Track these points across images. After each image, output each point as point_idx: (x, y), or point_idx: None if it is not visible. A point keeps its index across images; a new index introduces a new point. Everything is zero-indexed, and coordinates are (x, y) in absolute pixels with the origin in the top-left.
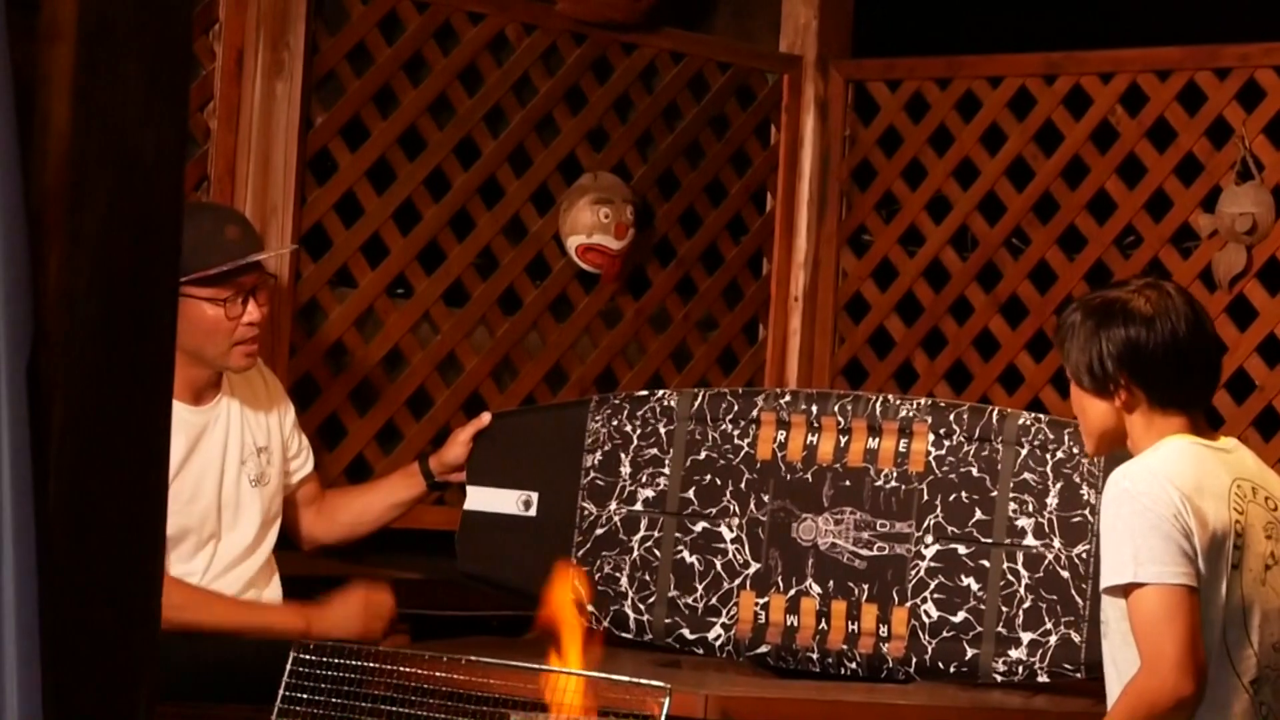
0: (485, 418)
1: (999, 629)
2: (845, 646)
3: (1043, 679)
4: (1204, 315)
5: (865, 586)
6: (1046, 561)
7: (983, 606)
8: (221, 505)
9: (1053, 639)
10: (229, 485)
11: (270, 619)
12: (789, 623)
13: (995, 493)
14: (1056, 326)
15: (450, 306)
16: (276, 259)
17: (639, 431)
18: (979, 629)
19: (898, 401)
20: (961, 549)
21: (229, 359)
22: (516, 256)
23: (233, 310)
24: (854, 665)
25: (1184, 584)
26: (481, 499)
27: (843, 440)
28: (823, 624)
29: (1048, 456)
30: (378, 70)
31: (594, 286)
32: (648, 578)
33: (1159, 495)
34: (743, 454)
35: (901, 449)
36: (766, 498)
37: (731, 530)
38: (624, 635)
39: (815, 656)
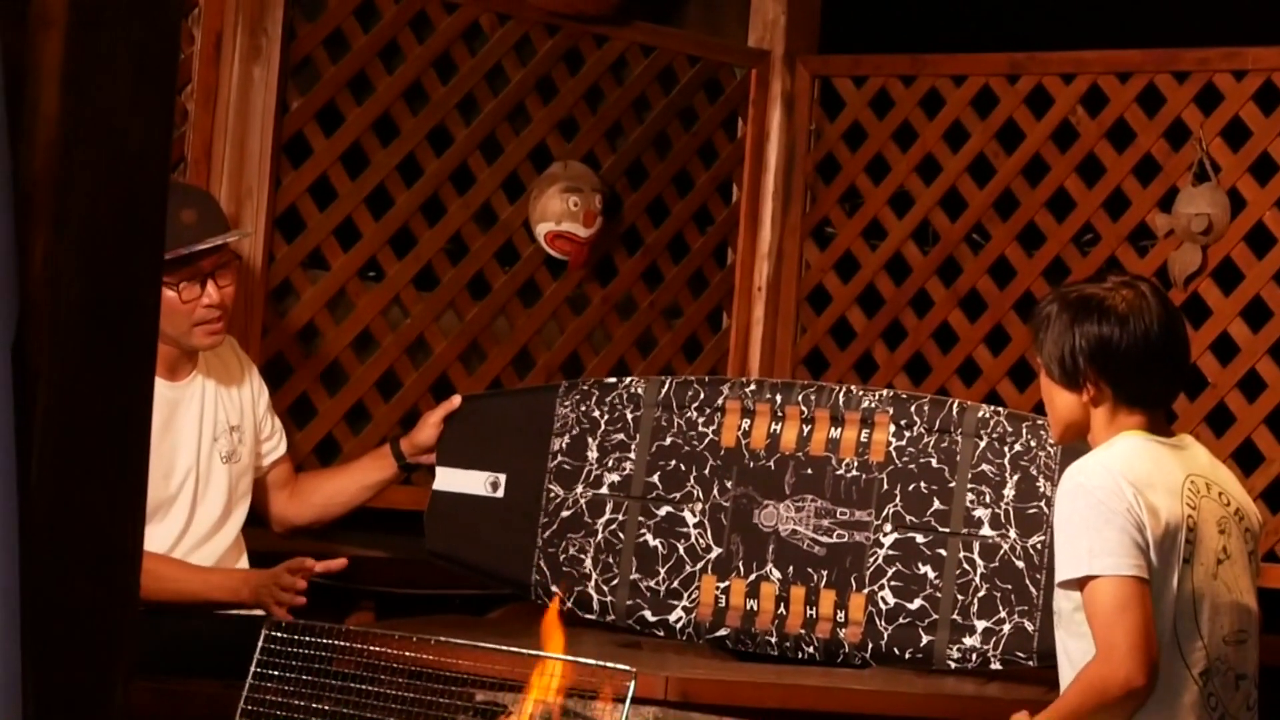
0: (456, 400)
1: (954, 617)
2: (803, 631)
3: (996, 666)
4: (1177, 317)
5: (824, 573)
6: (1002, 551)
7: (939, 594)
8: (194, 480)
9: (1007, 627)
10: (201, 460)
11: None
12: (749, 607)
13: (953, 483)
14: (1032, 315)
15: (420, 290)
16: (240, 241)
17: (606, 417)
18: (935, 616)
19: (860, 392)
20: (919, 538)
21: (191, 339)
22: (486, 242)
23: (188, 293)
24: (811, 650)
25: (1137, 576)
26: (450, 480)
27: (806, 429)
28: (782, 609)
29: (1006, 449)
30: (353, 57)
31: (562, 273)
32: (611, 560)
33: (1112, 489)
34: (707, 441)
35: (863, 439)
36: (729, 484)
37: (694, 515)
38: (587, 616)
39: (774, 640)
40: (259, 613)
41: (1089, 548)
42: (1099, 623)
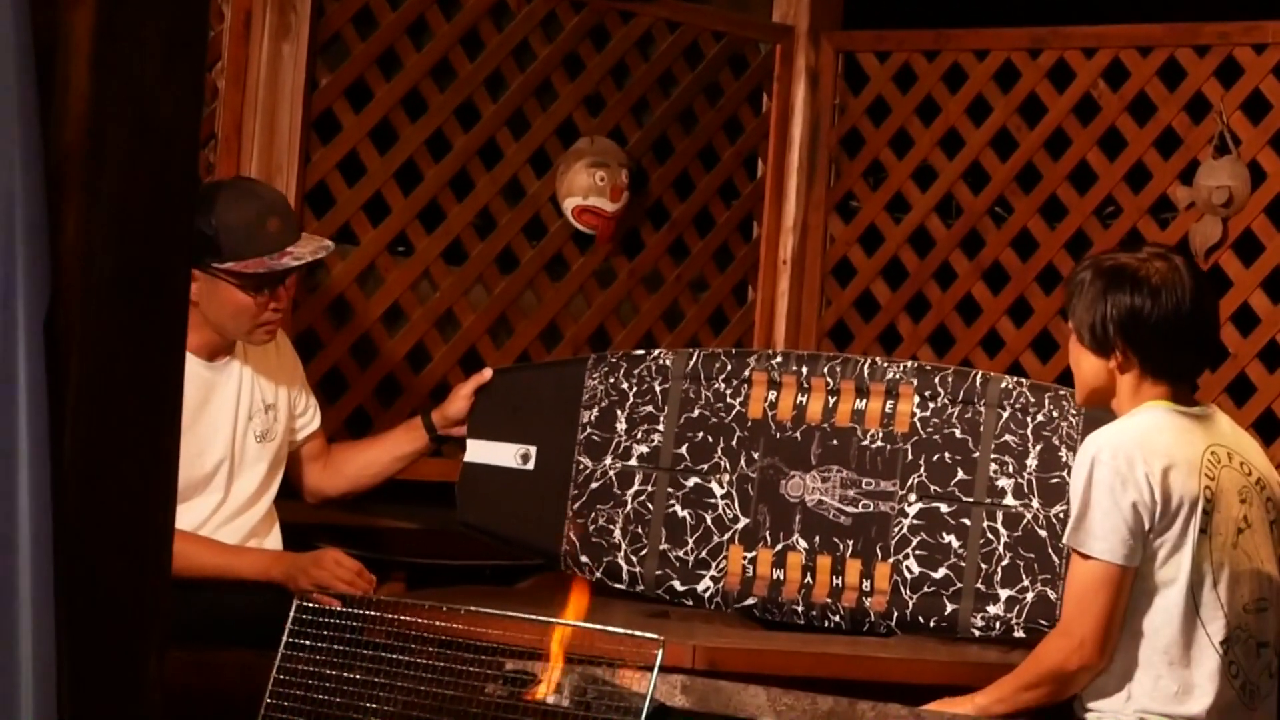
0: (487, 373)
1: (978, 585)
2: (829, 600)
3: (1019, 634)
4: (1208, 291)
5: (850, 542)
6: (1025, 521)
7: (963, 563)
8: (229, 459)
9: (1029, 596)
10: (237, 440)
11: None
12: (775, 576)
13: (977, 454)
14: (1066, 280)
15: (449, 265)
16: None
17: (635, 389)
18: (959, 585)
19: (885, 364)
20: (943, 507)
21: (251, 338)
22: (514, 217)
23: (262, 300)
24: (837, 618)
25: (1117, 563)
26: (481, 452)
27: (831, 401)
28: (808, 578)
29: (1028, 419)
30: (382, 34)
31: (589, 247)
32: (640, 531)
33: (1124, 473)
34: (734, 412)
35: (888, 410)
36: (756, 455)
37: (722, 486)
38: (616, 586)
39: (800, 609)
40: None
41: (1083, 523)
42: (1071, 597)
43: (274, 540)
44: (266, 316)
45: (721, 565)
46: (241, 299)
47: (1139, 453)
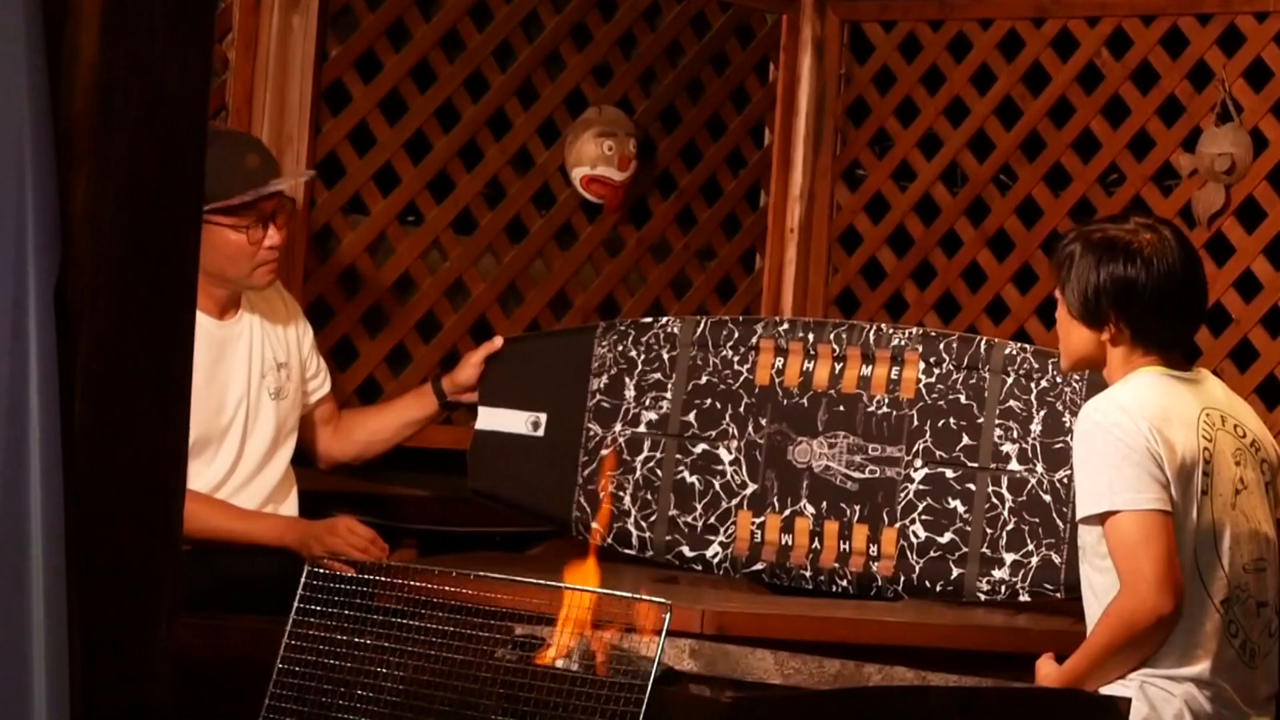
0: (497, 341)
1: (983, 550)
2: (837, 565)
3: (1024, 598)
4: (1197, 260)
5: (857, 508)
6: (1029, 486)
7: (968, 528)
8: (244, 415)
9: (1034, 560)
10: (250, 396)
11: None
12: (783, 542)
13: (982, 419)
14: (1055, 252)
15: (459, 234)
16: (294, 185)
17: (643, 357)
18: (964, 549)
19: (890, 331)
20: (949, 473)
21: (251, 279)
22: (523, 187)
23: (254, 235)
24: (845, 583)
25: (1158, 509)
26: (492, 419)
27: (838, 367)
28: (816, 543)
29: (1032, 385)
30: (391, 5)
31: (597, 216)
32: (649, 497)
33: (1128, 426)
34: (742, 379)
35: (893, 376)
36: (764, 421)
37: (730, 452)
38: (626, 552)
39: (808, 574)
40: None
41: (1109, 484)
42: (1122, 556)
43: (291, 506)
44: (263, 255)
45: (730, 531)
46: (234, 240)
47: (1138, 413)
